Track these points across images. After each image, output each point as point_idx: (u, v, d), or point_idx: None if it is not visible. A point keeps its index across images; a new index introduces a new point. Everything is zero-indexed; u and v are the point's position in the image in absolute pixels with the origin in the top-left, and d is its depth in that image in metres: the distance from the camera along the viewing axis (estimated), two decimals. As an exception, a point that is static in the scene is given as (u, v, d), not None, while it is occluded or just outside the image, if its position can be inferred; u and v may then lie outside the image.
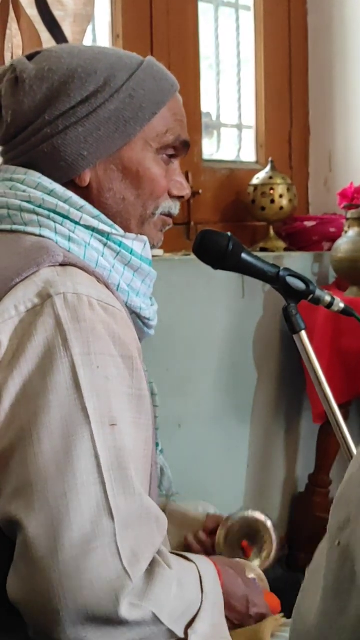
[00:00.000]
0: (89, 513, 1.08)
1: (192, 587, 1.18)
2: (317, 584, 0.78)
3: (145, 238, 1.37)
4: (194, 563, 1.22)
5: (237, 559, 1.48)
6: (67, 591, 1.05)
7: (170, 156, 1.38)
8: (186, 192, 1.41)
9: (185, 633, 1.15)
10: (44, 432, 1.11)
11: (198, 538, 1.57)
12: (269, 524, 1.58)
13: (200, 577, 1.20)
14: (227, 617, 1.26)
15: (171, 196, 1.40)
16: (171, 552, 1.21)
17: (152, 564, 1.12)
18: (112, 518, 1.09)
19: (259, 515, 1.59)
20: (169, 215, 1.41)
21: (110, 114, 1.31)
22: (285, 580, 2.36)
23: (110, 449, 1.12)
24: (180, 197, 1.41)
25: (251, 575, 1.40)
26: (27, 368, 1.14)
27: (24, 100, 1.32)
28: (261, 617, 1.35)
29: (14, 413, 1.13)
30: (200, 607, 1.18)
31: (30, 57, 1.36)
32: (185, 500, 1.93)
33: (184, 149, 1.41)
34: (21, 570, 1.09)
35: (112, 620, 1.07)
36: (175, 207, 1.41)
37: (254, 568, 1.48)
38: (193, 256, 1.54)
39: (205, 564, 1.24)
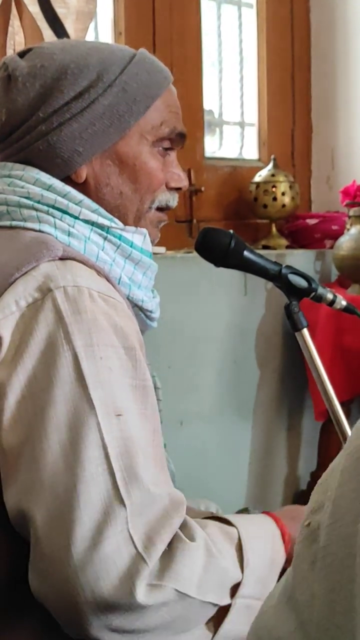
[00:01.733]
0: (100, 503, 1.09)
1: (228, 554, 1.17)
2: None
3: (144, 230, 1.37)
4: (235, 527, 1.21)
5: (292, 506, 1.46)
6: (84, 583, 1.06)
7: (167, 148, 1.38)
8: (183, 183, 1.41)
9: (232, 598, 1.16)
10: (51, 426, 1.11)
11: None
12: None
13: (240, 539, 1.20)
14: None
15: (169, 188, 1.40)
16: (211, 517, 1.22)
17: (172, 542, 1.12)
18: (124, 506, 1.09)
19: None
20: (167, 207, 1.41)
21: (104, 108, 1.31)
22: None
23: (117, 439, 1.12)
24: (178, 189, 1.41)
25: None
26: (30, 363, 1.14)
27: (17, 99, 1.32)
28: None
29: (19, 409, 1.13)
30: (244, 573, 1.18)
31: (22, 54, 1.36)
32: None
33: (180, 140, 1.40)
34: (38, 566, 1.10)
35: (132, 606, 1.07)
36: (173, 199, 1.41)
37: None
38: (195, 254, 1.54)
39: (262, 524, 1.25)
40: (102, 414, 1.13)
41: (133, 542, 1.08)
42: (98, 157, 1.34)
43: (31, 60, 1.33)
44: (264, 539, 1.23)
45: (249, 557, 1.19)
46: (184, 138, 1.41)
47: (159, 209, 1.40)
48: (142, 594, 1.07)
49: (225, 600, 1.16)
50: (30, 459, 1.11)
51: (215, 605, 1.15)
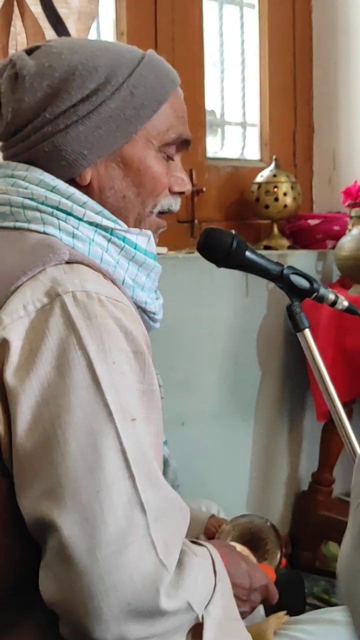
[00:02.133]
0: (122, 508, 1.08)
1: (210, 572, 1.19)
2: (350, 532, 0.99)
3: (149, 232, 1.36)
4: (206, 547, 1.23)
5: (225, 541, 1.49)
6: (108, 588, 1.05)
7: (171, 153, 1.38)
8: (187, 187, 1.41)
9: (201, 616, 1.16)
10: (69, 432, 1.10)
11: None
12: (273, 531, 1.57)
13: (212, 560, 1.21)
14: (235, 595, 1.26)
15: (172, 192, 1.39)
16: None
17: (181, 553, 1.13)
18: (144, 511, 1.09)
19: (264, 523, 1.58)
20: (169, 211, 1.41)
21: (111, 112, 1.30)
22: (288, 578, 2.36)
23: (135, 444, 1.12)
24: (181, 193, 1.41)
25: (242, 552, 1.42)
26: (43, 369, 1.14)
27: (24, 98, 1.31)
28: (265, 588, 1.36)
29: (34, 416, 1.12)
30: (214, 590, 1.19)
31: (29, 52, 1.35)
32: (188, 498, 1.93)
33: (185, 145, 1.40)
34: (57, 571, 1.08)
35: (153, 613, 1.08)
36: (175, 204, 1.41)
37: (240, 547, 1.49)
38: (197, 254, 1.54)
39: (211, 547, 1.25)
40: (119, 418, 1.12)
41: (155, 548, 1.08)
42: (103, 160, 1.33)
43: (39, 59, 1.32)
44: (220, 562, 1.24)
45: (219, 578, 1.20)
46: (189, 144, 1.40)
47: (161, 213, 1.40)
48: (164, 600, 1.08)
49: (200, 617, 1.16)
50: (49, 465, 1.10)
51: (196, 620, 1.15)
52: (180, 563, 1.12)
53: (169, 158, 1.37)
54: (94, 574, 1.06)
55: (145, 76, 1.33)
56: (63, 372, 1.13)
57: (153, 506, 1.10)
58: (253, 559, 1.48)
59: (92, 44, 1.36)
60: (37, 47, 1.36)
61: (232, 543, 1.48)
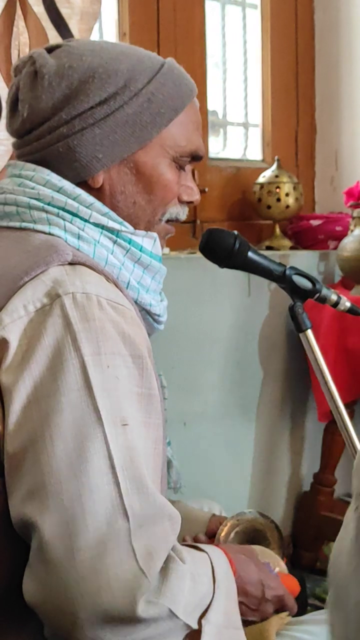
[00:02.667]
0: (104, 514, 1.08)
1: (205, 579, 1.18)
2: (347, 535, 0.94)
3: (154, 234, 1.36)
4: (206, 553, 1.22)
5: (249, 545, 1.47)
6: (84, 593, 1.05)
7: (183, 163, 1.38)
8: (196, 197, 1.41)
9: (199, 623, 1.14)
10: (56, 434, 1.10)
11: (197, 540, 1.56)
12: (275, 528, 1.57)
13: (212, 567, 1.20)
14: (243, 603, 1.25)
15: (180, 201, 1.40)
16: (183, 544, 1.20)
17: (167, 561, 1.11)
18: (127, 518, 1.08)
19: (269, 522, 1.57)
20: (176, 220, 1.41)
21: (128, 117, 1.31)
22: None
23: (123, 449, 1.12)
24: (189, 203, 1.41)
25: (264, 560, 1.40)
26: (37, 369, 1.13)
27: (41, 96, 1.30)
28: (279, 600, 1.34)
29: (25, 415, 1.12)
30: (213, 597, 1.17)
31: (50, 50, 1.35)
32: (190, 499, 1.93)
33: (196, 160, 1.41)
34: (37, 573, 1.08)
35: (131, 619, 1.06)
36: (182, 213, 1.41)
37: (268, 552, 1.47)
38: (199, 254, 1.54)
39: (216, 553, 1.24)
40: (108, 423, 1.12)
41: (135, 556, 1.07)
42: (116, 164, 1.33)
43: (59, 59, 1.32)
44: (224, 569, 1.23)
45: (219, 585, 1.19)
46: (202, 158, 1.41)
47: (169, 221, 1.40)
48: (141, 608, 1.06)
49: (195, 625, 1.14)
50: (34, 465, 1.10)
51: (189, 628, 1.13)
52: (164, 570, 1.10)
53: (181, 167, 1.38)
54: (70, 577, 1.05)
55: (164, 84, 1.33)
56: (56, 373, 1.13)
57: (137, 513, 1.09)
58: (283, 567, 1.46)
59: (113, 47, 1.35)
60: (58, 46, 1.36)
61: (258, 547, 1.46)
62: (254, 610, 1.30)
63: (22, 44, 1.95)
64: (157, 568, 1.09)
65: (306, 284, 1.47)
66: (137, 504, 1.10)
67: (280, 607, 1.35)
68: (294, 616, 1.43)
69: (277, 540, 1.55)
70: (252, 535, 1.55)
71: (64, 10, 2.02)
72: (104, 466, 1.10)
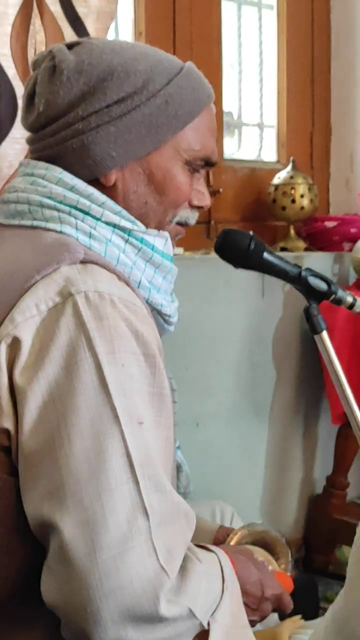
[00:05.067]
0: (124, 512, 1.08)
1: (217, 579, 1.18)
2: None
3: (166, 234, 1.36)
4: (215, 553, 1.22)
5: (244, 546, 1.47)
6: (107, 592, 1.05)
7: (196, 167, 1.38)
8: (206, 202, 1.41)
9: (207, 623, 1.14)
10: (74, 433, 1.10)
11: None
12: (285, 544, 1.56)
13: (221, 567, 1.20)
14: (244, 603, 1.25)
15: (191, 206, 1.39)
16: (195, 544, 1.20)
17: (185, 560, 1.12)
18: (147, 516, 1.08)
19: (280, 538, 1.57)
20: (185, 224, 1.41)
21: (144, 117, 1.31)
22: (302, 582, 2.35)
23: (140, 447, 1.11)
24: (199, 207, 1.41)
25: (260, 559, 1.40)
26: (51, 369, 1.13)
27: (59, 92, 1.30)
28: (277, 598, 1.34)
29: (41, 415, 1.12)
30: (222, 597, 1.17)
31: (70, 46, 1.35)
32: (202, 500, 1.92)
33: (209, 165, 1.41)
34: (58, 573, 1.07)
35: (153, 618, 1.07)
36: (192, 217, 1.41)
37: (261, 552, 1.47)
38: (213, 255, 1.53)
39: (221, 554, 1.24)
40: (126, 421, 1.11)
41: (156, 553, 1.07)
42: (130, 164, 1.33)
43: (79, 55, 1.32)
44: (230, 569, 1.23)
45: (227, 586, 1.19)
46: (215, 164, 1.41)
47: (178, 224, 1.40)
48: (164, 606, 1.07)
49: (206, 624, 1.15)
50: (52, 465, 1.10)
51: (201, 627, 1.14)
52: (183, 569, 1.11)
53: (194, 171, 1.37)
54: (93, 577, 1.05)
55: (182, 87, 1.33)
56: (71, 372, 1.13)
57: (157, 511, 1.10)
58: (275, 565, 1.46)
59: (133, 48, 1.35)
60: (78, 43, 1.36)
61: (252, 547, 1.46)
62: (254, 609, 1.30)
63: (38, 43, 1.95)
64: (177, 567, 1.09)
65: (322, 285, 1.46)
66: (156, 502, 1.10)
67: (277, 606, 1.36)
68: (307, 619, 1.42)
69: (286, 555, 1.54)
70: (261, 547, 1.54)
71: (81, 9, 2.02)
72: (123, 465, 1.10)
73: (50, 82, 1.31)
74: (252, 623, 1.30)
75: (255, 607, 1.30)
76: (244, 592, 1.26)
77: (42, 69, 1.33)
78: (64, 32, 2.00)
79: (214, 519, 1.80)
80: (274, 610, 1.36)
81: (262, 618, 1.33)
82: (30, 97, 1.35)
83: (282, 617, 1.52)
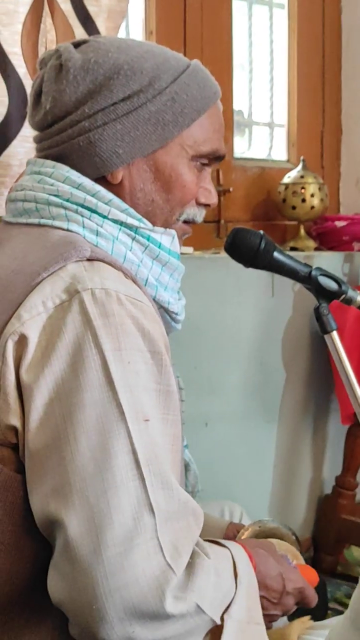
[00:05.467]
0: (130, 509, 1.08)
1: (228, 574, 1.18)
2: None
3: (173, 232, 1.36)
4: (227, 548, 1.22)
5: (267, 539, 1.46)
6: (113, 589, 1.05)
7: (203, 164, 1.38)
8: (213, 200, 1.41)
9: (222, 619, 1.14)
10: (80, 430, 1.10)
11: None
12: (295, 541, 1.56)
13: (234, 562, 1.20)
14: (265, 597, 1.25)
15: (198, 203, 1.39)
16: (205, 540, 1.20)
17: (192, 556, 1.12)
18: (153, 513, 1.08)
19: (287, 531, 1.56)
20: (192, 221, 1.41)
21: (150, 115, 1.31)
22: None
23: (146, 445, 1.12)
24: (206, 205, 1.41)
25: (281, 552, 1.39)
26: (58, 366, 1.13)
27: (65, 90, 1.31)
28: (299, 592, 1.33)
29: (47, 412, 1.12)
30: (235, 592, 1.17)
31: (76, 45, 1.35)
32: (211, 500, 1.92)
33: (217, 160, 1.40)
34: (64, 570, 1.08)
35: (159, 615, 1.07)
36: (200, 215, 1.41)
37: (285, 544, 1.46)
38: (223, 254, 1.53)
39: (236, 549, 1.24)
40: (131, 419, 1.12)
41: (162, 550, 1.07)
42: (136, 161, 1.33)
43: (85, 54, 1.32)
44: (245, 564, 1.23)
45: (241, 581, 1.19)
46: (222, 159, 1.40)
47: (185, 222, 1.40)
48: (169, 603, 1.07)
49: (219, 620, 1.15)
50: (58, 462, 1.10)
51: (213, 623, 1.14)
52: (190, 565, 1.11)
53: (201, 168, 1.37)
54: (99, 574, 1.05)
55: (188, 85, 1.33)
56: (77, 369, 1.13)
57: (163, 508, 1.10)
58: (300, 558, 1.45)
59: (140, 45, 1.36)
60: (84, 41, 1.36)
61: (275, 540, 1.45)
62: (275, 604, 1.30)
63: (49, 41, 1.95)
64: (183, 563, 1.09)
65: (332, 285, 1.46)
66: (162, 499, 1.10)
67: (300, 599, 1.35)
68: (316, 620, 1.42)
69: (297, 549, 1.53)
70: None
71: (91, 8, 2.02)
72: (129, 462, 1.10)
73: (57, 81, 1.32)
74: (275, 617, 1.30)
75: (276, 601, 1.30)
76: (265, 587, 1.26)
77: (49, 68, 1.33)
78: (75, 31, 2.00)
79: (222, 519, 1.80)
80: (297, 604, 1.35)
81: (285, 612, 1.33)
82: (37, 96, 1.36)
83: (291, 617, 1.52)
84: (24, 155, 1.93)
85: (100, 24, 2.03)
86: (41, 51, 1.94)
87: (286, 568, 1.34)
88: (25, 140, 1.93)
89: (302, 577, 1.36)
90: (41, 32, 1.94)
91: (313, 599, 1.36)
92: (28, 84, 1.92)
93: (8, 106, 1.91)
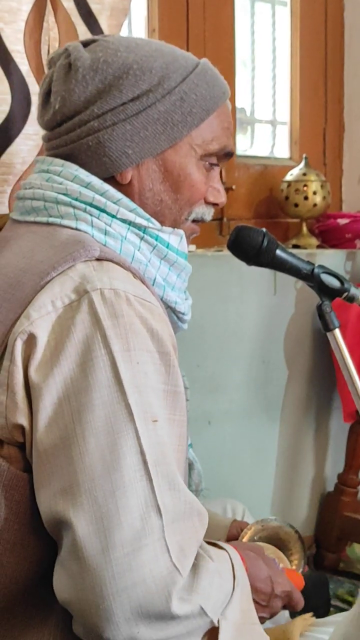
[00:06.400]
0: (138, 510, 1.08)
1: (228, 576, 1.18)
2: None
3: (181, 232, 1.36)
4: (225, 550, 1.22)
5: (255, 543, 1.47)
6: (120, 589, 1.05)
7: (212, 163, 1.38)
8: (222, 199, 1.41)
9: (217, 620, 1.15)
10: (88, 430, 1.10)
11: None
12: (298, 539, 1.56)
13: (232, 564, 1.20)
14: (254, 600, 1.25)
15: (207, 202, 1.39)
16: (205, 541, 1.20)
17: (197, 558, 1.12)
18: (160, 514, 1.09)
19: (294, 533, 1.57)
20: (201, 220, 1.41)
21: (159, 115, 1.31)
22: (313, 580, 2.34)
23: (154, 445, 1.12)
24: (215, 204, 1.41)
25: (271, 556, 1.40)
26: (66, 365, 1.13)
27: (74, 89, 1.30)
28: (287, 595, 1.34)
29: (55, 412, 1.12)
30: (232, 594, 1.18)
31: (85, 44, 1.35)
32: (214, 498, 1.92)
33: (226, 157, 1.41)
34: (70, 570, 1.08)
35: (165, 616, 1.07)
36: (208, 214, 1.41)
37: (272, 549, 1.47)
38: (225, 252, 1.53)
39: (232, 552, 1.24)
40: (140, 419, 1.12)
41: (169, 551, 1.08)
42: (145, 161, 1.33)
43: (94, 53, 1.32)
44: (240, 566, 1.23)
45: (238, 582, 1.19)
46: (231, 156, 1.40)
47: (194, 221, 1.39)
48: (175, 604, 1.07)
49: (216, 621, 1.15)
50: (67, 462, 1.10)
51: (212, 625, 1.14)
52: (195, 567, 1.11)
53: (210, 168, 1.37)
54: (106, 574, 1.05)
55: (197, 84, 1.33)
56: (86, 369, 1.13)
57: (170, 509, 1.10)
58: (286, 562, 1.46)
59: (149, 45, 1.35)
60: (94, 40, 1.36)
61: (263, 544, 1.46)
62: (264, 606, 1.30)
63: (52, 39, 1.95)
64: (189, 565, 1.10)
65: (335, 282, 1.46)
66: (169, 500, 1.10)
67: (287, 602, 1.35)
68: (318, 617, 1.42)
69: (300, 551, 1.54)
70: (274, 543, 1.54)
71: (94, 6, 2.02)
72: (137, 462, 1.10)
73: (66, 80, 1.31)
74: (262, 620, 1.30)
75: (265, 603, 1.30)
76: (254, 589, 1.26)
77: (58, 67, 1.33)
78: (78, 29, 1.99)
79: (225, 517, 1.80)
80: (284, 607, 1.36)
81: (272, 615, 1.33)
82: (46, 95, 1.35)
83: (293, 614, 1.52)
84: (26, 153, 1.93)
85: (103, 21, 2.03)
86: (44, 49, 1.94)
87: (275, 571, 1.34)
88: (28, 138, 1.93)
89: (289, 580, 1.36)
90: (44, 30, 1.94)
91: (300, 602, 1.37)
92: (31, 82, 1.92)
93: (11, 104, 1.91)
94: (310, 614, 1.41)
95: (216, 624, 1.14)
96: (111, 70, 1.30)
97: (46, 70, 1.38)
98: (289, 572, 1.41)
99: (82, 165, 1.32)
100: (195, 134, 1.34)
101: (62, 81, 1.32)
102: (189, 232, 1.40)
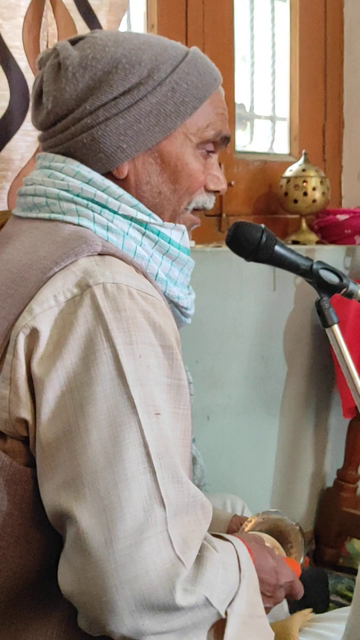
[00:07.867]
0: (141, 502, 1.08)
1: (234, 568, 1.19)
2: None
3: (183, 227, 1.36)
4: (231, 542, 1.23)
5: (254, 533, 1.47)
6: (123, 581, 1.05)
7: (209, 150, 1.38)
8: (222, 186, 1.41)
9: (225, 612, 1.15)
10: (91, 423, 1.10)
11: None
12: (299, 532, 1.56)
13: (238, 556, 1.21)
14: (260, 591, 1.26)
15: (207, 190, 1.39)
16: (211, 533, 1.21)
17: (201, 549, 1.12)
18: (164, 506, 1.09)
19: (294, 525, 1.57)
20: (203, 209, 1.40)
21: (152, 107, 1.30)
22: (312, 575, 2.35)
23: (157, 438, 1.12)
24: (215, 192, 1.40)
25: (269, 546, 1.40)
26: (69, 360, 1.14)
27: (65, 88, 1.30)
28: (290, 585, 1.35)
29: (58, 405, 1.13)
30: (239, 586, 1.18)
31: (73, 42, 1.35)
32: (213, 493, 1.92)
33: (223, 143, 1.40)
34: (74, 563, 1.08)
35: (169, 607, 1.07)
36: (210, 201, 1.41)
37: (269, 538, 1.47)
38: (224, 248, 1.53)
39: (238, 543, 1.24)
40: (143, 412, 1.12)
41: (172, 543, 1.08)
42: (141, 154, 1.33)
43: (83, 50, 1.32)
44: (247, 558, 1.23)
45: (244, 575, 1.19)
46: (228, 141, 1.40)
47: (195, 210, 1.39)
48: (179, 595, 1.07)
49: (224, 613, 1.15)
50: (69, 455, 1.11)
51: (218, 616, 1.15)
52: (199, 558, 1.11)
53: (207, 155, 1.37)
54: (109, 566, 1.06)
55: (188, 73, 1.32)
56: (89, 363, 1.13)
57: (173, 501, 1.10)
58: (282, 551, 1.47)
59: (137, 37, 1.35)
60: (82, 38, 1.36)
61: (260, 534, 1.46)
62: (268, 597, 1.31)
63: (50, 35, 1.95)
64: (193, 556, 1.10)
65: (333, 278, 1.46)
66: (172, 492, 1.10)
67: (289, 592, 1.36)
68: (317, 613, 1.42)
69: (300, 544, 1.54)
70: (274, 535, 1.55)
71: (93, 2, 2.01)
72: (140, 455, 1.10)
73: (56, 80, 1.31)
74: (266, 610, 1.30)
75: (270, 594, 1.31)
76: (260, 580, 1.26)
77: (48, 67, 1.33)
78: (76, 25, 1.99)
79: (227, 511, 1.80)
80: (285, 597, 1.36)
81: (275, 604, 1.34)
82: (38, 96, 1.36)
83: (293, 610, 1.53)
84: (25, 149, 1.93)
85: (102, 17, 2.02)
86: (42, 45, 1.93)
87: (278, 562, 1.35)
88: (26, 135, 1.93)
89: (291, 570, 1.37)
90: (42, 26, 1.93)
91: (300, 591, 1.38)
92: (29, 78, 1.92)
93: (9, 100, 1.90)
94: (310, 609, 1.41)
95: (223, 616, 1.14)
96: (100, 66, 1.30)
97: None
98: (286, 560, 1.42)
99: (81, 162, 1.32)
100: (190, 123, 1.34)
101: (52, 81, 1.32)
102: (189, 224, 1.40)
